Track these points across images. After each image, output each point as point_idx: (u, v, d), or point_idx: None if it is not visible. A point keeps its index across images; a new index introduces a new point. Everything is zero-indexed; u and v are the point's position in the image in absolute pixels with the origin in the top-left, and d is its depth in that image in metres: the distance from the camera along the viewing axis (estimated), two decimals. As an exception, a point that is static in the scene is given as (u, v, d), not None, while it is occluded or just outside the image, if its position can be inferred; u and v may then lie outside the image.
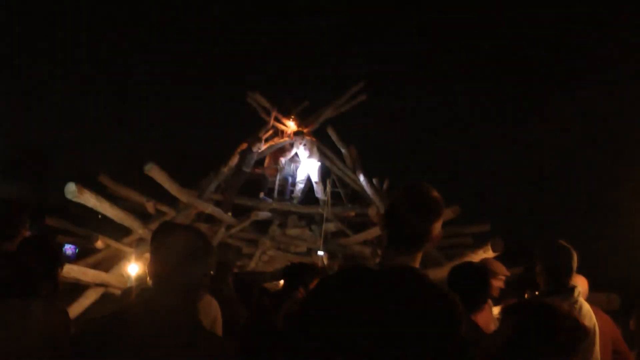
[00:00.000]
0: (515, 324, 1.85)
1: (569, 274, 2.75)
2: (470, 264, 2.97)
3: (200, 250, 1.75)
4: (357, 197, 10.67)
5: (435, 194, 1.70)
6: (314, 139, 10.76)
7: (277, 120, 11.15)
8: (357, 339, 1.51)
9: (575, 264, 2.76)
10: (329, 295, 1.64)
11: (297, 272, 3.62)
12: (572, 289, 2.73)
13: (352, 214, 10.31)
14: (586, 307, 2.72)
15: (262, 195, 10.46)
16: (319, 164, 10.53)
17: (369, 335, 1.50)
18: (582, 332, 1.81)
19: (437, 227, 1.68)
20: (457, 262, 3.83)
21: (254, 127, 11.12)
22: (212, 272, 1.81)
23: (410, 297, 1.54)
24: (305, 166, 10.48)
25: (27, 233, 2.82)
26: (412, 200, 1.68)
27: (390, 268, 1.63)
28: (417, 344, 1.48)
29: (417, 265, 1.67)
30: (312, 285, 3.78)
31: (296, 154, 10.73)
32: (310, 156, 10.45)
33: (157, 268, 1.72)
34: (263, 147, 10.42)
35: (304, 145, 10.45)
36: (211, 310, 2.71)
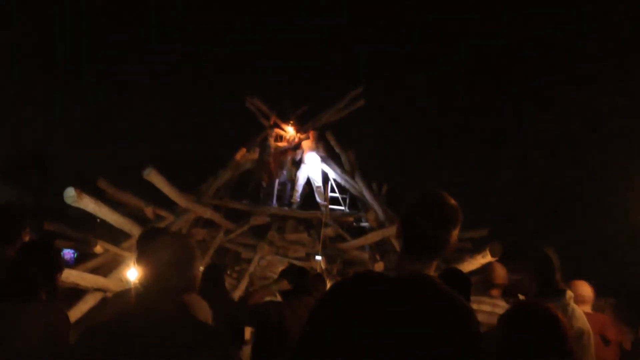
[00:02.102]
0: (505, 329, 1.88)
1: (554, 278, 2.80)
2: (455, 269, 3.18)
3: (186, 253, 1.81)
4: (355, 201, 10.68)
5: (452, 201, 1.70)
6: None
7: (276, 125, 11.17)
8: (371, 345, 1.50)
9: (558, 269, 2.81)
10: (343, 301, 1.62)
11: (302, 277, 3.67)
12: (564, 292, 2.77)
13: (351, 218, 10.32)
14: (579, 311, 2.77)
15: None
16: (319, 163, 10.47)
17: (382, 342, 1.49)
18: (566, 330, 1.84)
19: (455, 235, 1.68)
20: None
21: (252, 132, 11.16)
22: (199, 274, 1.87)
23: (425, 304, 1.54)
24: (311, 167, 10.36)
25: (27, 238, 2.84)
26: (430, 208, 1.67)
27: (405, 275, 1.62)
28: (430, 351, 1.48)
29: (432, 272, 1.66)
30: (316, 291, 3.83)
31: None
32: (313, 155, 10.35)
33: (149, 272, 1.76)
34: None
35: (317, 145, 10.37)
36: (201, 311, 2.73)
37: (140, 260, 1.81)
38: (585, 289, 3.87)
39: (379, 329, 1.51)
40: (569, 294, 2.79)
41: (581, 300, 3.74)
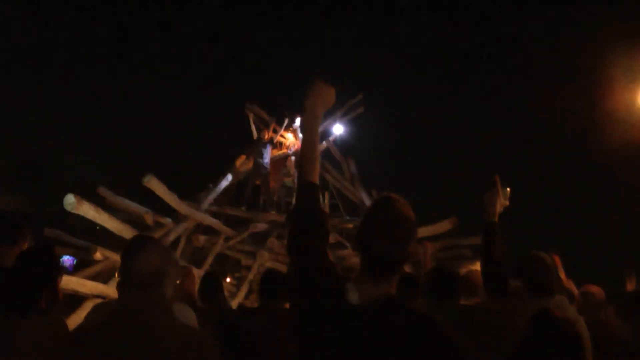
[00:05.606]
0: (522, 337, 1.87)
1: (541, 280, 2.74)
2: (444, 268, 3.09)
3: (170, 262, 1.87)
4: (355, 209, 10.67)
5: (405, 211, 1.57)
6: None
7: (275, 132, 11.19)
8: None
9: (552, 272, 2.77)
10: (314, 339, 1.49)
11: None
12: (551, 293, 2.73)
13: (350, 226, 10.31)
14: (573, 314, 2.76)
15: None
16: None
17: None
18: (583, 345, 1.84)
19: (413, 247, 1.55)
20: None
21: (252, 139, 11.18)
22: (177, 281, 1.93)
23: (398, 336, 1.42)
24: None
25: (26, 246, 2.81)
26: (382, 224, 1.54)
27: (371, 303, 1.48)
28: None
29: (394, 289, 1.54)
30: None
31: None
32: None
33: (134, 278, 1.79)
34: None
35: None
36: (186, 318, 2.69)
37: (123, 266, 1.83)
38: (598, 292, 3.73)
39: None
40: (559, 297, 2.74)
41: (593, 305, 3.67)
